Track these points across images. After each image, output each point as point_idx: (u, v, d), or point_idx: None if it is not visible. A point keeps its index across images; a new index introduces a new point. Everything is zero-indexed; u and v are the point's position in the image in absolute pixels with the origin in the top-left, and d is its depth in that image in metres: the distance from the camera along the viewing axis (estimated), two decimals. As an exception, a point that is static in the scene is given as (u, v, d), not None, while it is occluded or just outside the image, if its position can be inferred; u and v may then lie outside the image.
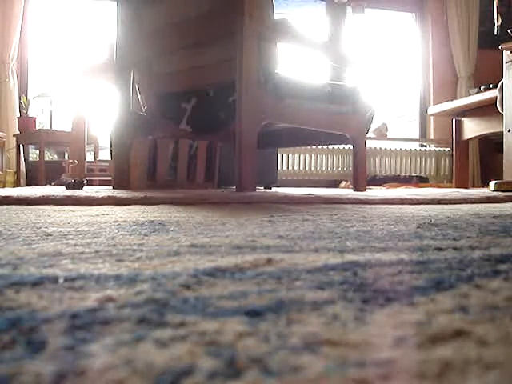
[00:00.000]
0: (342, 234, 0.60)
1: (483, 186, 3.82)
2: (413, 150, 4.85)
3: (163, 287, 0.30)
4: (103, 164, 3.61)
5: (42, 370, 0.18)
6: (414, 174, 4.71)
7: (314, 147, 4.57)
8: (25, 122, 3.96)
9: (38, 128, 3.96)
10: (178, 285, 0.31)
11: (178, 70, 2.17)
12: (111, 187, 2.18)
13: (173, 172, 2.50)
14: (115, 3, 2.25)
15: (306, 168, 4.69)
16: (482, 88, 3.14)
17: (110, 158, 2.96)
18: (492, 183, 2.47)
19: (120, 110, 2.17)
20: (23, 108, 4.17)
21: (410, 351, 0.20)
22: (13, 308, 0.26)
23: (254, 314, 0.25)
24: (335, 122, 2.07)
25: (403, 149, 4.78)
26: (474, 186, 4.04)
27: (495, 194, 1.91)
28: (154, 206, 1.15)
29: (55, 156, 4.60)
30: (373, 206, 1.24)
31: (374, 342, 0.21)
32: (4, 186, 3.78)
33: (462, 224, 0.74)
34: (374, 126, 4.66)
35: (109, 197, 1.29)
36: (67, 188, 2.11)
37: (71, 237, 0.55)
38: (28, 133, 3.89)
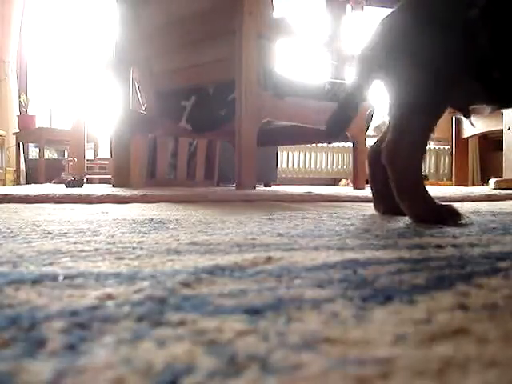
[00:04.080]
0: (341, 232, 0.60)
1: (483, 184, 3.82)
2: (413, 148, 4.84)
3: (163, 285, 0.30)
4: (103, 162, 3.61)
5: (42, 368, 0.18)
6: (413, 172, 4.71)
7: (314, 145, 4.57)
8: (24, 120, 3.96)
9: (37, 126, 3.95)
10: (177, 283, 0.31)
11: (177, 68, 2.17)
12: (111, 185, 2.18)
13: (172, 170, 2.50)
14: (115, 1, 2.25)
15: (306, 166, 4.69)
16: (481, 86, 3.13)
17: (109, 156, 2.96)
18: (492, 181, 2.47)
19: (120, 109, 2.17)
20: (23, 106, 4.17)
21: (410, 349, 0.20)
22: (12, 306, 0.25)
23: (253, 312, 0.25)
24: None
25: (403, 147, 4.77)
26: (473, 184, 4.04)
27: (495, 192, 1.91)
28: (154, 204, 1.15)
29: (55, 154, 4.60)
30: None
31: (374, 340, 0.21)
32: (4, 185, 3.78)
33: (461, 222, 0.74)
34: (373, 124, 4.67)
35: (108, 195, 1.29)
36: (67, 186, 2.11)
37: (71, 235, 0.55)
38: (28, 131, 3.89)
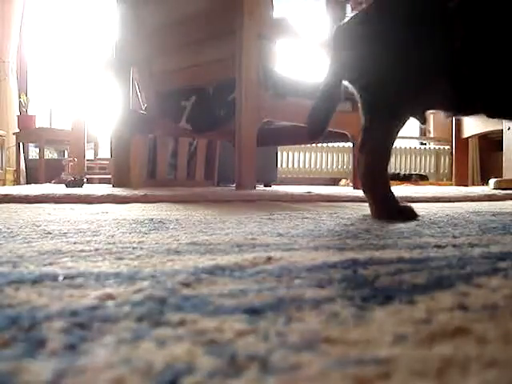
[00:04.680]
0: (341, 232, 0.60)
1: (483, 184, 3.82)
2: (412, 147, 4.85)
3: (163, 285, 0.30)
4: (103, 162, 3.61)
5: (42, 368, 0.18)
6: (413, 172, 4.72)
7: (314, 145, 4.57)
8: (24, 120, 3.96)
9: (37, 126, 3.95)
10: (177, 283, 0.31)
11: (177, 68, 2.17)
12: (111, 185, 2.18)
13: (172, 170, 2.50)
14: (115, 1, 2.25)
15: (306, 166, 4.69)
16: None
17: (109, 156, 2.96)
18: (492, 181, 2.47)
19: (120, 109, 2.17)
20: (23, 106, 4.17)
21: (410, 349, 0.20)
22: (12, 305, 0.25)
23: (253, 312, 0.25)
24: (335, 120, 2.06)
25: (403, 147, 4.78)
26: (473, 184, 4.04)
27: (495, 192, 1.91)
28: (154, 204, 1.15)
29: (55, 154, 4.60)
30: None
31: (374, 340, 0.21)
32: (4, 185, 3.78)
33: (461, 222, 0.74)
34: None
35: (108, 195, 1.29)
36: (67, 186, 2.11)
37: (71, 235, 0.55)
38: (28, 131, 3.89)
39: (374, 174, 0.79)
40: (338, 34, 0.82)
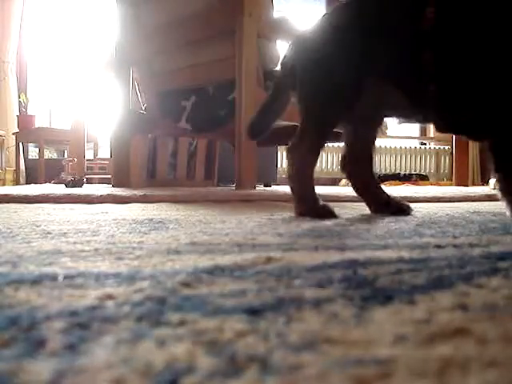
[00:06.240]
0: (341, 231, 0.60)
1: (483, 184, 3.82)
2: (413, 147, 4.84)
3: (163, 285, 0.30)
4: (103, 162, 3.60)
5: (42, 368, 0.18)
6: (413, 172, 4.72)
7: (314, 145, 4.57)
8: (24, 120, 3.96)
9: (37, 126, 3.95)
10: (177, 283, 0.31)
11: (177, 67, 2.17)
12: (111, 185, 2.18)
13: (172, 170, 2.49)
14: (115, 1, 2.25)
15: (306, 166, 4.69)
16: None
17: (109, 156, 2.96)
18: (492, 181, 2.46)
19: (120, 109, 2.17)
20: (22, 106, 4.17)
21: (410, 349, 0.20)
22: (12, 306, 0.25)
23: (253, 312, 0.25)
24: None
25: (403, 147, 4.78)
26: (473, 184, 4.04)
27: (495, 191, 1.91)
28: (154, 204, 1.15)
29: (55, 154, 4.60)
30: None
31: (374, 340, 0.21)
32: (3, 185, 3.78)
33: (461, 222, 0.74)
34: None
35: (108, 195, 1.29)
36: (67, 186, 2.11)
37: (71, 235, 0.55)
38: (27, 131, 3.88)
39: (302, 177, 0.85)
40: (291, 48, 0.87)
